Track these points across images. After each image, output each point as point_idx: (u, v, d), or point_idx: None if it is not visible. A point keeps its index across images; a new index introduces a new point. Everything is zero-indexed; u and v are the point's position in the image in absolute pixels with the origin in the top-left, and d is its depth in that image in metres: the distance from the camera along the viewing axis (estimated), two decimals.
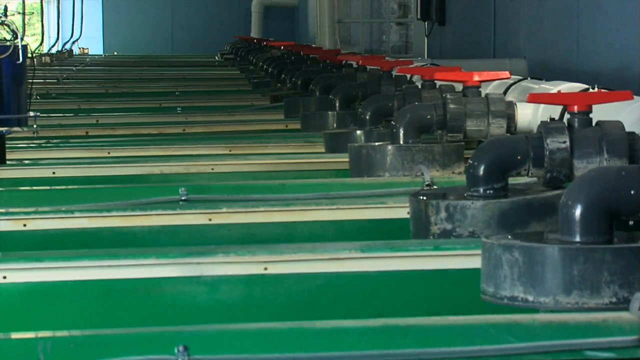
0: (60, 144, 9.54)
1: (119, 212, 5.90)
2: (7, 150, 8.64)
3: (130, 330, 3.73)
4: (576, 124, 5.49)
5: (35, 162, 8.38)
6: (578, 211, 4.15)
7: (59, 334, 3.69)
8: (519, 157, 5.41)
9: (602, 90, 6.71)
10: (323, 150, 8.55)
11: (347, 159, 7.42)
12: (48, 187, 7.14)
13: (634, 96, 6.17)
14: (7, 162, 8.43)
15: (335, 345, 3.60)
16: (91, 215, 5.88)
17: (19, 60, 8.60)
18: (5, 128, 8.56)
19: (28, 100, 9.08)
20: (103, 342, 3.58)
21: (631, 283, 3.93)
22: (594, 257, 4.00)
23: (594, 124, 5.46)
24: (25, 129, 8.85)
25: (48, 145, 9.52)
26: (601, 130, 5.38)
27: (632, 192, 4.16)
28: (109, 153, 8.69)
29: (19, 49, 8.58)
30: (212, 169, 7.89)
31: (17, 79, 8.68)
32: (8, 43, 8.52)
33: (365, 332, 3.69)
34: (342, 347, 3.59)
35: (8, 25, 8.62)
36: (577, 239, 4.12)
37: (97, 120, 11.38)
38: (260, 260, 4.80)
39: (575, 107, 5.56)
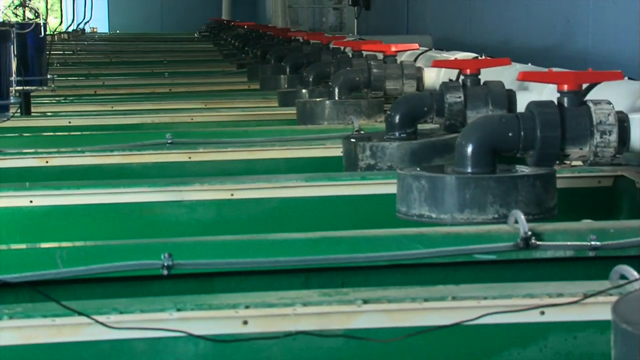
0: (75, 100, 9.54)
1: (119, 152, 5.89)
2: (32, 104, 8.63)
3: (127, 241, 3.73)
4: (469, 84, 5.52)
5: (55, 114, 8.36)
6: (469, 149, 4.15)
7: (72, 244, 3.68)
8: (425, 109, 5.43)
9: (488, 58, 6.75)
10: (277, 105, 8.55)
11: (295, 111, 7.42)
12: (65, 133, 7.12)
13: (512, 62, 6.20)
14: (32, 114, 8.42)
15: (285, 252, 3.60)
16: (98, 155, 5.86)
17: (40, 34, 8.59)
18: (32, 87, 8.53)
19: (47, 67, 9.03)
20: (105, 251, 3.57)
21: (509, 203, 3.94)
22: (481, 184, 4.01)
23: (482, 83, 5.51)
24: (45, 87, 8.78)
25: (65, 101, 9.52)
26: (487, 89, 5.40)
27: (510, 134, 4.16)
28: (112, 107, 8.67)
29: (40, 26, 8.56)
30: (192, 119, 7.90)
31: (39, 49, 8.68)
32: (31, 22, 8.47)
33: (308, 242, 3.68)
34: (290, 254, 3.58)
35: (31, 8, 8.53)
36: (469, 170, 4.13)
37: (103, 82, 11.36)
38: (228, 188, 4.81)
39: (468, 71, 5.60)
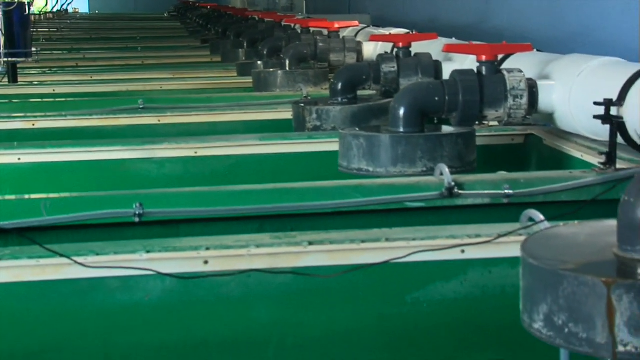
0: (58, 71, 9.45)
1: (97, 116, 5.87)
2: (21, 75, 8.54)
3: (104, 193, 3.70)
4: (401, 55, 5.53)
5: (41, 83, 8.31)
6: (401, 112, 4.16)
7: (55, 195, 3.65)
8: (364, 77, 5.44)
9: (418, 33, 6.76)
10: (236, 75, 8.53)
11: (251, 80, 7.40)
12: (50, 100, 7.05)
13: (439, 37, 6.21)
14: (20, 83, 8.35)
15: (242, 202, 3.59)
16: (79, 118, 5.84)
17: (25, 12, 8.50)
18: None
19: (32, 41, 8.95)
20: (84, 201, 3.54)
21: (435, 158, 3.95)
22: (412, 142, 4.02)
23: (412, 55, 5.52)
24: (30, 59, 8.69)
25: (50, 72, 9.42)
26: (417, 59, 5.42)
27: (436, 98, 4.17)
28: (91, 77, 8.60)
29: (25, 5, 8.47)
30: (161, 87, 7.87)
31: (24, 26, 8.55)
32: (16, 1, 8.37)
33: (262, 192, 3.68)
34: (246, 203, 3.58)
35: None
36: (401, 130, 4.13)
37: (84, 56, 11.25)
38: (193, 147, 4.80)
39: (401, 44, 5.61)
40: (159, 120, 5.92)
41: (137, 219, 3.42)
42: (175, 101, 6.59)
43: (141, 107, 6.07)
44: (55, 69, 9.63)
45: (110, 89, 7.78)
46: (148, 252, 2.86)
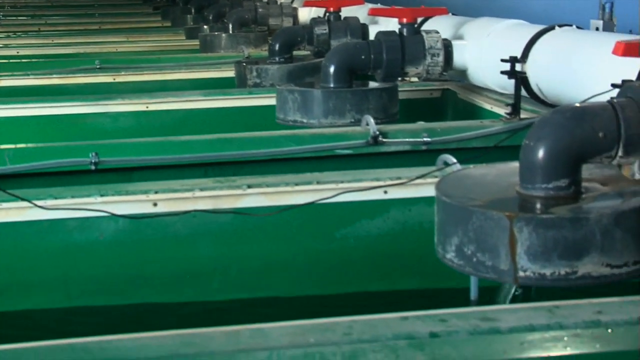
0: (22, 35, 9.22)
1: (58, 75, 5.77)
2: None
3: (63, 143, 3.64)
4: (332, 19, 5.50)
5: (5, 46, 8.08)
6: (332, 69, 4.13)
7: (18, 146, 3.58)
8: (299, 39, 5.40)
9: None
10: (184, 38, 8.43)
11: (198, 43, 7.32)
12: (14, 60, 6.90)
13: (365, 2, 6.19)
14: None
15: (188, 150, 3.56)
16: (41, 77, 5.73)
17: None
18: None
19: None
20: (45, 151, 3.49)
21: (362, 110, 3.94)
22: (341, 96, 4.01)
23: (342, 19, 5.49)
24: None
25: (14, 35, 9.19)
26: (346, 23, 5.38)
27: (362, 57, 4.15)
28: (52, 40, 8.41)
29: None
30: (116, 49, 7.73)
31: None
32: None
33: (207, 142, 3.66)
34: (192, 152, 3.55)
35: None
36: (331, 85, 4.11)
37: (46, 21, 11.01)
38: (144, 102, 4.75)
39: (332, 9, 5.58)
40: (114, 79, 5.84)
41: (93, 167, 3.39)
42: (129, 62, 6.50)
43: (98, 67, 6.02)
44: (19, 33, 9.40)
45: (69, 51, 7.64)
46: (102, 195, 2.82)
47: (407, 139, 3.63)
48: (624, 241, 1.97)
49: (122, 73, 5.89)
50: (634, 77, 2.77)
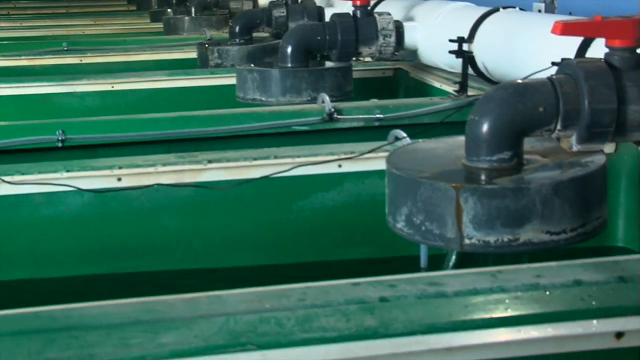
0: None
1: (27, 56, 5.70)
2: None
3: (31, 121, 3.62)
4: (290, 2, 5.46)
5: None
6: (289, 50, 4.12)
7: None
8: (258, 22, 5.38)
9: None
10: (149, 21, 8.35)
11: (162, 26, 7.25)
12: None
13: None
14: None
15: (152, 128, 3.54)
16: (10, 59, 5.67)
17: None
18: None
19: None
20: (14, 129, 3.47)
21: (318, 89, 3.92)
22: (298, 75, 3.99)
23: (299, 2, 5.46)
24: None
25: None
26: (303, 6, 5.36)
27: (318, 38, 4.13)
28: (21, 23, 8.33)
29: None
30: (83, 32, 7.66)
31: None
32: None
33: (169, 120, 3.65)
34: (156, 129, 3.53)
35: None
36: (289, 65, 4.09)
37: (15, 5, 10.85)
38: (110, 82, 4.70)
39: None
40: (81, 60, 5.77)
41: (59, 144, 3.36)
42: (95, 44, 6.44)
43: (65, 49, 5.96)
44: None
45: (38, 34, 7.55)
46: (68, 171, 2.79)
47: (360, 116, 3.62)
48: (562, 209, 1.98)
49: (89, 55, 5.83)
50: (572, 56, 2.79)
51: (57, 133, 3.32)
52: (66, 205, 2.81)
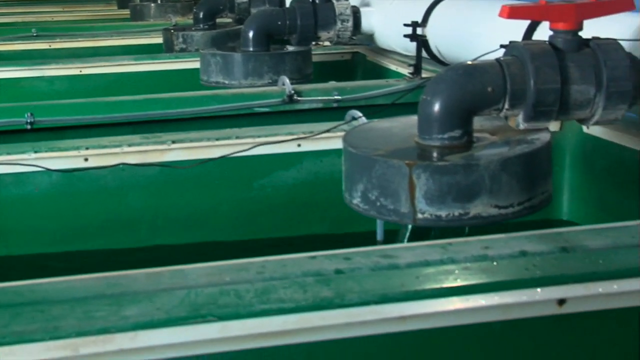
0: None
1: None
2: None
3: (0, 105, 3.55)
4: None
5: None
6: (251, 34, 4.09)
7: None
8: (221, 7, 5.35)
9: None
10: (116, 7, 8.27)
11: (129, 12, 7.18)
12: None
13: None
14: None
15: (118, 110, 3.50)
16: None
17: None
18: None
19: None
20: None
21: (279, 72, 3.91)
22: (259, 59, 3.97)
23: None
24: None
25: None
26: None
27: (279, 23, 4.11)
28: None
29: None
30: (52, 18, 7.55)
31: None
32: None
33: (135, 102, 3.62)
34: (122, 111, 3.50)
35: None
36: (251, 49, 4.07)
37: None
38: (78, 66, 4.63)
39: None
40: (50, 46, 5.69)
41: (28, 126, 3.32)
42: (64, 29, 6.35)
43: (34, 34, 5.88)
44: None
45: (7, 20, 7.44)
46: (36, 152, 2.75)
47: (319, 97, 3.61)
48: (509, 185, 1.99)
49: (58, 40, 5.76)
50: (520, 39, 2.79)
51: (26, 116, 3.28)
52: (34, 185, 2.78)
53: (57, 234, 2.80)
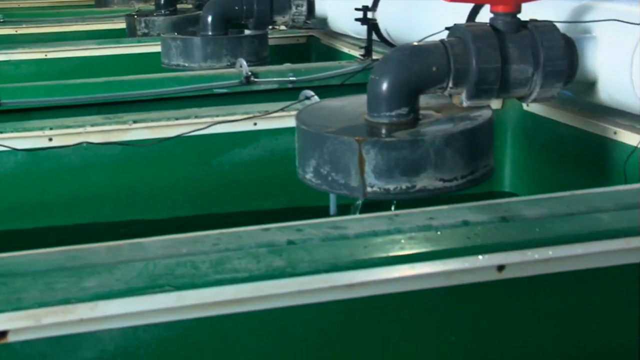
0: None
1: None
2: None
3: None
4: None
5: None
6: (209, 19, 4.06)
7: None
8: None
9: None
10: None
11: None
12: None
13: None
14: None
15: (83, 92, 3.45)
16: None
17: None
18: None
19: None
20: None
21: (237, 54, 3.87)
22: (218, 42, 3.94)
23: None
24: None
25: None
26: None
27: (236, 7, 4.08)
28: None
29: None
30: (18, 5, 7.41)
31: None
32: None
33: (98, 84, 3.56)
34: (86, 93, 3.46)
35: None
36: (210, 33, 4.03)
37: None
38: (43, 50, 4.55)
39: None
40: (16, 31, 5.58)
41: None
42: (30, 15, 6.22)
43: (1, 20, 5.76)
44: None
45: None
46: (2, 132, 2.70)
47: (275, 79, 3.59)
48: (453, 159, 1.99)
49: (24, 26, 5.65)
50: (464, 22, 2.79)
51: None
52: (1, 164, 2.73)
53: (23, 211, 2.75)
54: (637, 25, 2.27)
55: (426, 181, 1.98)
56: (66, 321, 1.41)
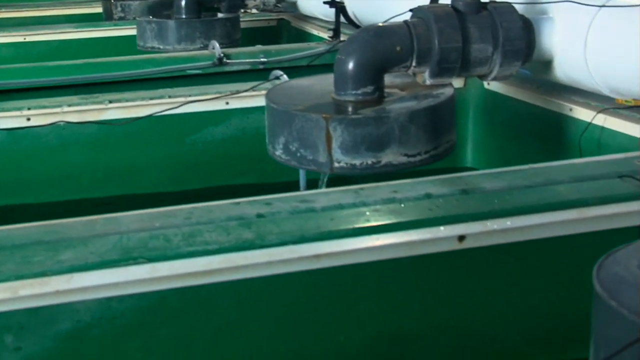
0: None
1: None
2: None
3: None
4: None
5: None
6: (183, 3, 4.01)
7: None
8: None
9: None
10: None
11: None
12: None
13: None
14: None
15: (61, 74, 3.40)
16: None
17: None
18: None
19: None
20: None
21: (209, 37, 3.84)
22: (191, 25, 3.90)
23: None
24: None
25: None
26: None
27: None
28: None
29: None
30: None
31: None
32: None
33: (76, 66, 3.53)
34: (64, 75, 3.41)
35: None
36: (183, 16, 3.99)
37: None
38: (22, 34, 4.50)
39: None
40: None
41: None
42: (10, 0, 6.12)
43: None
44: None
45: None
46: None
47: (247, 60, 3.56)
48: (417, 135, 1.98)
49: (4, 10, 5.57)
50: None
51: None
52: None
53: (2, 189, 2.71)
54: (591, 7, 2.27)
55: (391, 156, 1.97)
56: (42, 293, 1.39)
